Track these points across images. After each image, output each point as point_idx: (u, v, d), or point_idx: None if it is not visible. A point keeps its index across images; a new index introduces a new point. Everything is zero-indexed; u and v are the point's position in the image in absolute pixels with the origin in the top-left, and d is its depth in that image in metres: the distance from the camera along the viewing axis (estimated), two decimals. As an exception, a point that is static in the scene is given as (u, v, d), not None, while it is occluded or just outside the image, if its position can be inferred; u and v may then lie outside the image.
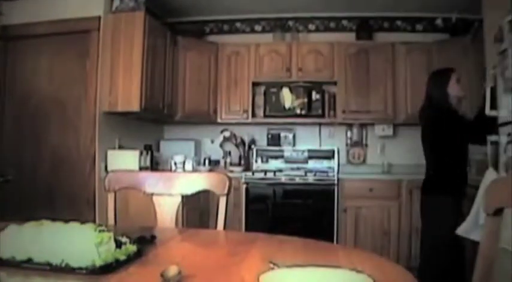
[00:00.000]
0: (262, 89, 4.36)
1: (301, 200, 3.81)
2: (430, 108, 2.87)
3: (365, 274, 0.86)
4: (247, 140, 4.45)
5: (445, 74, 2.91)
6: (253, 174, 3.96)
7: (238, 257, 1.16)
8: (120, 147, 3.57)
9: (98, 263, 0.95)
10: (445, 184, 2.75)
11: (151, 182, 1.78)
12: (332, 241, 3.62)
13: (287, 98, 4.19)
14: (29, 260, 0.98)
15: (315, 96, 4.17)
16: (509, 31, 2.53)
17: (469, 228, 2.60)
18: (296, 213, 3.78)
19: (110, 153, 3.42)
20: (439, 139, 2.80)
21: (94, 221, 2.86)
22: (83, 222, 1.09)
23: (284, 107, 4.19)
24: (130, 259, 1.04)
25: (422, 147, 2.95)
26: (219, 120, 4.35)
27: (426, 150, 2.92)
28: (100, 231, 1.02)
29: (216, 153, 4.44)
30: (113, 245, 1.03)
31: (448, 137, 2.75)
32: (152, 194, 1.76)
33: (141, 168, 3.39)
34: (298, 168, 4.18)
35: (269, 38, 4.52)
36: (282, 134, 4.52)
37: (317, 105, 4.17)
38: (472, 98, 3.69)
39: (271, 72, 4.26)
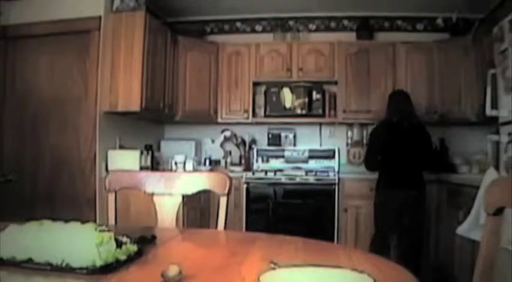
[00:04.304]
0: (263, 88, 4.36)
1: (302, 200, 3.81)
2: (412, 121, 3.37)
3: (366, 274, 0.86)
4: (247, 139, 4.45)
5: None
6: (253, 174, 3.96)
7: (238, 256, 1.16)
8: (121, 147, 3.57)
9: (99, 263, 0.95)
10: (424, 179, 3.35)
11: (152, 181, 1.78)
12: (332, 241, 3.62)
13: (287, 97, 4.19)
14: (30, 260, 0.98)
15: (315, 96, 4.17)
16: (509, 31, 2.53)
17: (469, 228, 2.60)
18: (296, 213, 3.78)
19: (110, 153, 3.41)
20: (428, 144, 3.36)
21: (94, 221, 2.86)
22: (83, 222, 1.09)
23: (284, 106, 4.19)
24: (131, 259, 1.04)
25: (402, 149, 3.29)
26: (219, 120, 4.35)
27: (409, 152, 3.29)
28: (100, 231, 1.02)
29: (217, 153, 4.44)
30: (113, 244, 1.03)
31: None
32: (153, 194, 1.76)
33: (141, 168, 3.39)
34: (298, 168, 4.18)
35: (269, 37, 4.52)
36: (283, 134, 4.52)
37: (317, 105, 4.17)
38: (473, 98, 3.69)
39: (272, 72, 4.26)
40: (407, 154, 3.28)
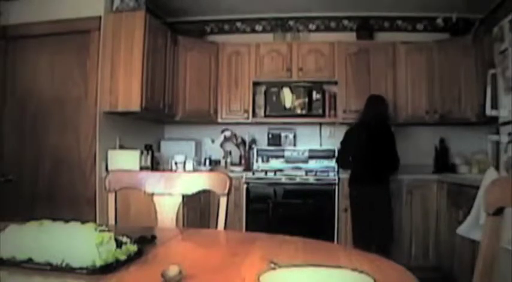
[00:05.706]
0: (263, 88, 4.36)
1: (302, 200, 3.81)
2: (383, 121, 3.60)
3: (366, 274, 0.86)
4: (247, 139, 4.45)
5: None
6: (253, 174, 3.96)
7: (238, 257, 1.16)
8: (121, 147, 3.57)
9: (99, 263, 0.95)
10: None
11: (152, 181, 1.78)
12: (332, 241, 3.62)
13: (288, 97, 4.19)
14: (30, 260, 0.98)
15: (315, 96, 4.17)
16: (509, 31, 2.53)
17: (469, 228, 2.60)
18: (296, 213, 3.78)
19: (110, 153, 3.41)
20: (390, 143, 3.55)
21: (95, 221, 2.86)
22: (83, 222, 1.09)
23: (284, 106, 4.19)
24: (131, 259, 1.04)
25: (373, 148, 3.49)
26: (219, 120, 4.34)
27: (379, 150, 3.50)
28: (100, 231, 1.02)
29: (217, 153, 4.44)
30: (113, 244, 1.03)
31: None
32: (153, 194, 1.76)
33: (141, 168, 3.39)
34: (298, 168, 4.18)
35: (269, 37, 4.53)
36: (283, 134, 4.52)
37: (317, 105, 4.17)
38: (473, 98, 3.69)
39: (272, 72, 4.26)
40: (372, 151, 3.50)
